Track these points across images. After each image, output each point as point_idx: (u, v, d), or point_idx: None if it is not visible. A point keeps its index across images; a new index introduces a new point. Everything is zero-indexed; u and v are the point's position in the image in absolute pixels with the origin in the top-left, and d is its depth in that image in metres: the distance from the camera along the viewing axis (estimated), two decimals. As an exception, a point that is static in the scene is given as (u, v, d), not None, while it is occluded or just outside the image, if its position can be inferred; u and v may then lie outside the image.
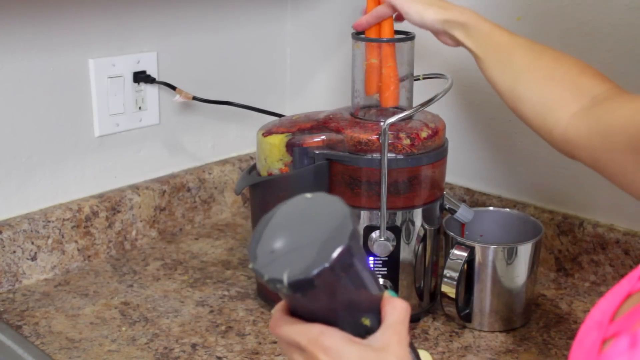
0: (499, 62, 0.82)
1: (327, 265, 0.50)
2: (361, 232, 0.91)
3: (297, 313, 0.56)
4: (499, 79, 0.82)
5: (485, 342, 0.92)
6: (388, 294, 0.58)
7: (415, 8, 0.87)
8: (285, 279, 0.51)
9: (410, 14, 0.87)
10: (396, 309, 0.56)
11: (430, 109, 0.92)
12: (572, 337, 0.93)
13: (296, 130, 0.91)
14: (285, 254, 0.53)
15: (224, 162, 1.29)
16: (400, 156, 0.88)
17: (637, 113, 0.67)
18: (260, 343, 0.91)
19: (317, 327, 0.54)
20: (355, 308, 0.56)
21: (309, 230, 0.54)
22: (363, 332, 0.56)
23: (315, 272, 0.50)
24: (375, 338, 0.55)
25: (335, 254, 0.51)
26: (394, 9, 0.89)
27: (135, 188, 1.16)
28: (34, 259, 1.04)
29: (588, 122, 0.72)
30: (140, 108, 1.15)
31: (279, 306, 0.58)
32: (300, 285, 0.51)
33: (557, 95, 0.76)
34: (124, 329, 0.93)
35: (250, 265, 0.53)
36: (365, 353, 0.54)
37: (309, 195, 0.57)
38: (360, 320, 0.56)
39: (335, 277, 0.52)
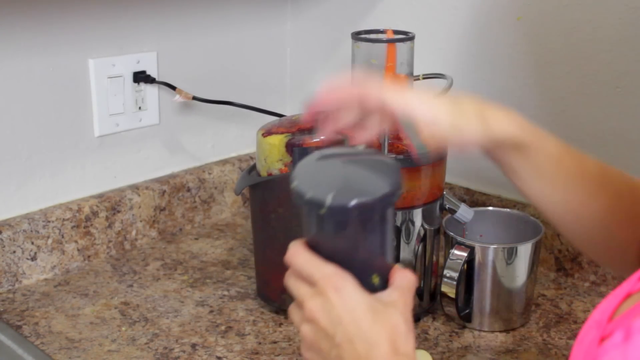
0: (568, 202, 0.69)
1: (370, 199, 0.52)
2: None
3: (316, 250, 0.57)
4: (566, 220, 0.70)
5: (485, 342, 0.92)
6: (398, 266, 0.60)
7: (444, 120, 0.62)
8: (328, 200, 0.52)
9: (441, 128, 0.62)
10: (406, 277, 0.58)
11: (430, 109, 0.92)
12: (572, 337, 0.93)
13: (296, 130, 0.91)
14: (328, 182, 0.54)
15: (224, 162, 1.29)
16: (400, 156, 0.88)
17: None
18: (260, 343, 0.91)
19: (333, 266, 0.55)
20: (371, 262, 0.57)
21: (357, 170, 0.56)
22: (371, 289, 0.57)
23: (357, 201, 0.52)
24: (384, 294, 0.57)
25: (380, 193, 0.52)
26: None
27: (135, 188, 1.16)
28: (34, 259, 1.04)
29: None
30: (140, 108, 1.15)
31: (299, 240, 0.59)
32: (338, 212, 0.52)
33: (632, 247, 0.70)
34: (124, 329, 0.93)
35: (292, 185, 0.55)
36: (374, 303, 0.55)
37: (360, 146, 0.59)
38: (371, 277, 0.57)
39: (370, 219, 0.54)
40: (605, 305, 0.51)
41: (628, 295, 0.51)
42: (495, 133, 0.64)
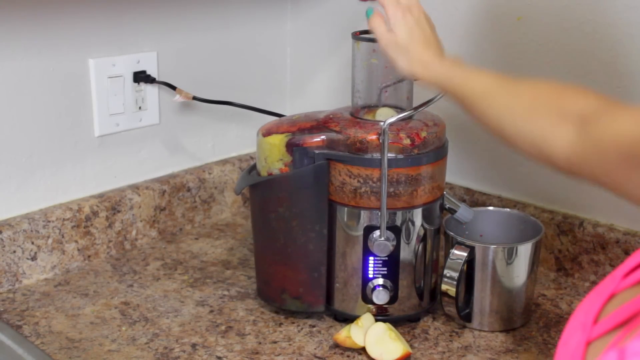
0: (479, 111, 0.80)
1: None
2: (361, 232, 0.91)
3: None
4: (485, 126, 0.80)
5: (485, 342, 0.92)
6: None
7: (403, 66, 0.84)
8: None
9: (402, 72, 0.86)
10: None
11: (430, 109, 0.92)
12: (572, 337, 0.93)
13: (296, 130, 0.92)
14: None
15: (224, 162, 1.29)
16: (400, 156, 0.88)
17: (628, 125, 0.65)
18: (260, 343, 0.91)
19: None
20: None
21: None
22: None
23: None
24: None
25: None
26: None
27: (135, 188, 1.16)
28: (34, 258, 1.04)
29: (585, 146, 0.70)
30: (140, 108, 1.15)
31: None
32: None
33: (546, 126, 0.73)
34: (124, 328, 0.93)
35: None
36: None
37: None
38: None
39: None
40: (589, 305, 0.51)
41: (612, 295, 0.50)
42: (428, 77, 0.83)
